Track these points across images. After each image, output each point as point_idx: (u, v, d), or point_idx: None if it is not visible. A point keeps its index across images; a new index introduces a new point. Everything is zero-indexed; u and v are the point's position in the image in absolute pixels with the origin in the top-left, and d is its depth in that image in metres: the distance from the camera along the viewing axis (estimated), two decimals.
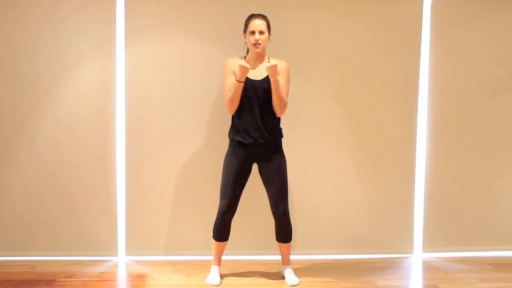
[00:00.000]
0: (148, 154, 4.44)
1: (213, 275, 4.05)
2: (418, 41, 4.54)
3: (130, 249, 4.49)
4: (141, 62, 4.39)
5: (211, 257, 4.13)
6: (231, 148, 4.02)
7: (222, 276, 4.10)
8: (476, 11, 4.57)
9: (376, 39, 4.51)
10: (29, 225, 4.42)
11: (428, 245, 4.67)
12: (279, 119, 4.01)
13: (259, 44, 3.89)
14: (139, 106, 4.40)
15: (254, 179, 4.08)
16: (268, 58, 3.96)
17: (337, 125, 4.53)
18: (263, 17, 3.92)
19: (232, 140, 4.01)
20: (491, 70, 4.62)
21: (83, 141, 4.39)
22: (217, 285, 4.01)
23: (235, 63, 3.89)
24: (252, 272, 4.25)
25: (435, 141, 4.62)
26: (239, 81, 3.85)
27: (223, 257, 4.15)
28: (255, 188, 4.19)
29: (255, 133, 3.94)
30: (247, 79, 3.89)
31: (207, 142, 4.44)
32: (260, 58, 3.98)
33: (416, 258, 4.62)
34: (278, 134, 4.03)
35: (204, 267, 4.21)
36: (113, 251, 4.48)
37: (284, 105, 3.94)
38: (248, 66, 3.82)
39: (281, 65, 3.94)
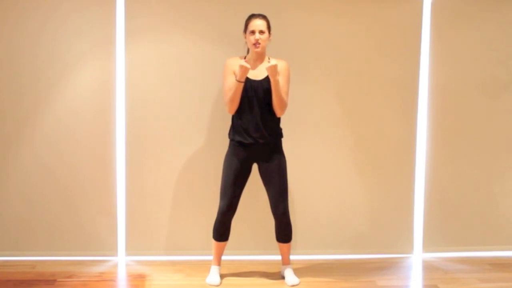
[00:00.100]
0: (148, 154, 4.44)
1: (213, 275, 4.05)
2: (418, 41, 4.54)
3: (130, 249, 4.49)
4: (141, 62, 4.39)
5: (211, 257, 4.13)
6: (231, 148, 4.02)
7: (222, 276, 4.10)
8: (476, 11, 4.57)
9: (376, 39, 4.51)
10: (29, 225, 4.42)
11: (428, 245, 4.67)
12: (279, 119, 4.01)
13: (259, 44, 3.89)
14: (139, 106, 4.40)
15: (254, 179, 4.09)
16: (268, 58, 3.96)
17: (337, 125, 4.53)
18: (263, 17, 3.93)
19: (232, 140, 4.01)
20: (491, 70, 4.62)
21: (83, 141, 4.39)
22: (217, 285, 4.01)
23: (235, 63, 3.89)
24: (252, 272, 4.25)
25: (435, 141, 4.62)
26: (239, 81, 3.85)
27: (223, 257, 4.15)
28: (255, 188, 4.19)
29: (255, 133, 3.94)
30: (247, 79, 3.89)
31: (207, 142, 4.44)
32: (260, 58, 3.98)
33: (416, 258, 4.62)
34: (278, 134, 4.03)
35: (204, 267, 4.21)
36: (113, 251, 4.48)
37: (284, 105, 3.94)
38: (248, 66, 3.82)
39: (281, 65, 3.94)
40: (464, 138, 4.65)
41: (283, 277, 4.12)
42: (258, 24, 3.89)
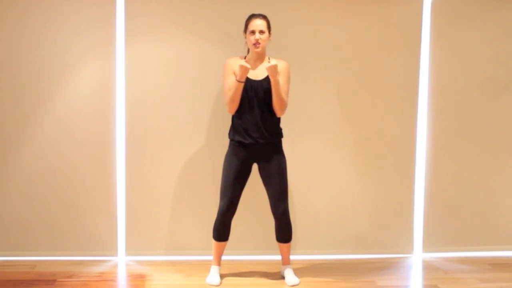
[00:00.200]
0: (148, 154, 4.44)
1: (213, 275, 4.05)
2: (418, 41, 4.54)
3: (130, 249, 4.49)
4: (141, 62, 4.39)
5: (211, 257, 4.13)
6: (231, 148, 4.02)
7: (222, 276, 4.10)
8: (476, 11, 4.57)
9: (376, 39, 4.51)
10: (29, 225, 4.42)
11: (428, 245, 4.67)
12: (279, 119, 4.01)
13: (259, 43, 3.89)
14: (139, 106, 4.40)
15: (254, 179, 4.09)
16: (269, 58, 3.96)
17: (337, 125, 4.53)
18: (263, 17, 3.93)
19: (232, 140, 4.01)
20: (491, 70, 4.62)
21: (83, 141, 4.39)
22: (217, 285, 4.01)
23: (235, 63, 3.89)
24: (252, 272, 4.25)
25: (435, 141, 4.62)
26: (239, 81, 3.85)
27: (223, 257, 4.15)
28: (255, 188, 4.19)
29: (255, 133, 3.94)
30: (247, 79, 3.89)
31: (207, 142, 4.44)
32: (260, 58, 3.98)
33: (416, 258, 4.62)
34: (278, 134, 4.03)
35: (204, 267, 4.21)
36: (113, 251, 4.48)
37: (284, 105, 3.94)
38: (248, 66, 3.82)
39: (281, 65, 3.94)
40: (464, 138, 4.65)
41: (283, 277, 4.12)
42: (258, 24, 3.89)
